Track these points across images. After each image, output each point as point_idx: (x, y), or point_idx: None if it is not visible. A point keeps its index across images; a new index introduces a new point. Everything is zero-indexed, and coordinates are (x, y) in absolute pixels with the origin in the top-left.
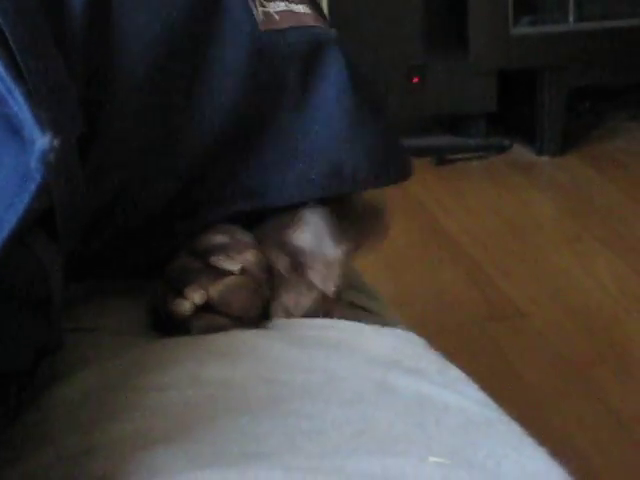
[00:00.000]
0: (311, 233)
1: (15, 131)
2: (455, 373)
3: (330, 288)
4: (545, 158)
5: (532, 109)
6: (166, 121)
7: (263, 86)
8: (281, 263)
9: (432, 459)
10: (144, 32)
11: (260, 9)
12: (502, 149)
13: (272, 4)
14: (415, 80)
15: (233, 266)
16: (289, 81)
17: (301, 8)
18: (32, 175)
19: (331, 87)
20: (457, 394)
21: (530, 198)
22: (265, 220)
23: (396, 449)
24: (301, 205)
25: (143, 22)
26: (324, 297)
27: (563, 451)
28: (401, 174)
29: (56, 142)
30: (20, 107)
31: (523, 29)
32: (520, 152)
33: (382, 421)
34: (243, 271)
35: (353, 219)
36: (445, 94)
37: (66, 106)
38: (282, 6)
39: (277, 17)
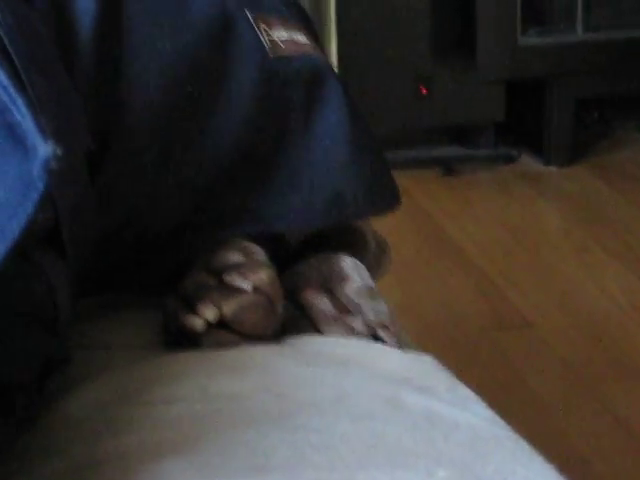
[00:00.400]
0: (358, 286)
1: (19, 140)
2: (464, 391)
3: (388, 337)
4: (553, 168)
5: (540, 119)
6: (178, 141)
7: (271, 111)
8: (327, 308)
9: (441, 473)
10: (156, 51)
11: (266, 37)
12: (510, 159)
13: (276, 32)
14: (423, 91)
15: (246, 284)
16: (295, 107)
17: (300, 37)
18: (35, 184)
19: (332, 114)
20: (466, 411)
21: (538, 208)
22: (295, 266)
23: (405, 463)
24: (322, 247)
25: (155, 41)
26: None
27: (570, 460)
28: (393, 201)
29: (59, 151)
30: (23, 116)
31: (531, 39)
32: (528, 162)
33: (391, 436)
34: (256, 290)
35: (367, 255)
36: (453, 105)
37: (71, 119)
38: (285, 35)
39: (282, 45)
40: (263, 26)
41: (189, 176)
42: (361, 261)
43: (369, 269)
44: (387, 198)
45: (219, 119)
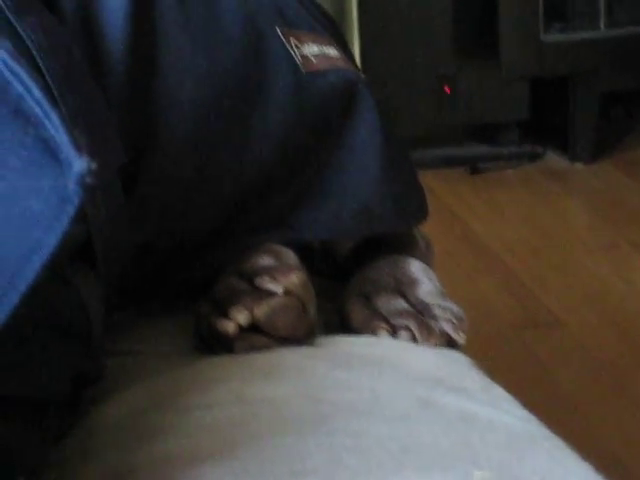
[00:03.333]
0: (429, 288)
1: (53, 155)
2: (499, 391)
3: (462, 339)
4: (579, 165)
5: (564, 116)
6: (213, 156)
7: (307, 125)
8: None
9: (478, 474)
10: (191, 66)
11: (297, 52)
12: (535, 157)
13: (306, 47)
14: (446, 90)
15: (277, 287)
16: (331, 120)
17: (331, 51)
18: (71, 198)
19: (364, 128)
20: (501, 411)
21: (564, 205)
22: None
23: (441, 465)
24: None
25: (189, 56)
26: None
27: (601, 459)
28: (421, 215)
29: (94, 166)
30: (57, 130)
31: (554, 36)
32: (553, 159)
33: (427, 437)
34: (287, 292)
35: (418, 255)
36: (477, 103)
37: (103, 133)
38: (316, 49)
39: (314, 60)
40: (294, 41)
41: (223, 189)
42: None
43: None
44: (415, 212)
45: (254, 133)
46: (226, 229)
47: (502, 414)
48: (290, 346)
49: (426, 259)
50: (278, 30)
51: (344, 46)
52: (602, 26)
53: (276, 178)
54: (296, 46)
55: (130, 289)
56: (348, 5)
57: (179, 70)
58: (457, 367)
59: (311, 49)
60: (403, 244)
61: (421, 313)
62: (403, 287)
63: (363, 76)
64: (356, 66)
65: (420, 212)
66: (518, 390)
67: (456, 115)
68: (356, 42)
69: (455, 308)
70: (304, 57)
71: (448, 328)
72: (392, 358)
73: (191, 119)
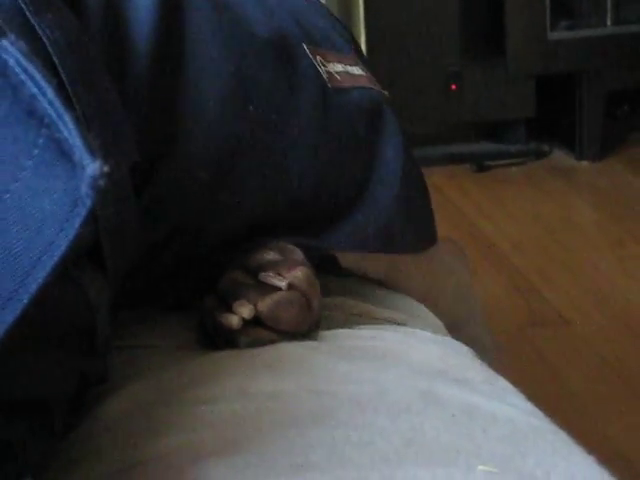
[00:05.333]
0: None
1: (65, 156)
2: (502, 383)
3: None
4: (585, 163)
5: (571, 113)
6: (236, 166)
7: (334, 138)
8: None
9: (481, 468)
10: (218, 74)
11: (323, 68)
12: (541, 154)
13: (331, 65)
14: (453, 87)
15: (281, 282)
16: (358, 136)
17: (355, 70)
18: (83, 200)
19: (389, 147)
20: (504, 404)
21: (571, 203)
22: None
23: (445, 458)
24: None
25: (217, 64)
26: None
27: (610, 457)
28: (433, 240)
29: (106, 168)
30: (70, 132)
31: (560, 33)
32: (559, 157)
33: (430, 431)
34: (291, 287)
35: None
36: (483, 101)
37: (117, 134)
38: (340, 67)
39: (339, 77)
40: (319, 58)
41: (243, 200)
42: None
43: None
44: (428, 236)
45: (279, 143)
46: (245, 236)
47: (506, 407)
48: (294, 340)
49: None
50: (305, 47)
51: (367, 65)
52: (609, 24)
53: (301, 189)
54: (322, 63)
55: (138, 290)
56: (354, 2)
57: (205, 74)
58: (460, 359)
59: (336, 67)
60: None
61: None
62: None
63: (387, 94)
64: (379, 86)
65: (432, 237)
66: (524, 387)
67: (463, 113)
68: (363, 40)
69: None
70: (329, 73)
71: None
72: (395, 351)
73: (214, 123)
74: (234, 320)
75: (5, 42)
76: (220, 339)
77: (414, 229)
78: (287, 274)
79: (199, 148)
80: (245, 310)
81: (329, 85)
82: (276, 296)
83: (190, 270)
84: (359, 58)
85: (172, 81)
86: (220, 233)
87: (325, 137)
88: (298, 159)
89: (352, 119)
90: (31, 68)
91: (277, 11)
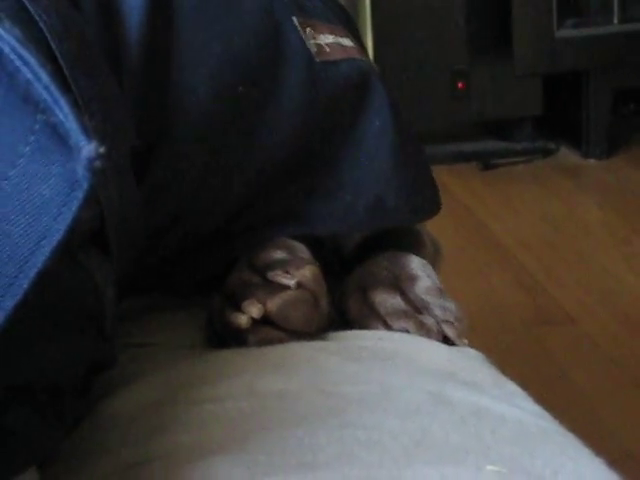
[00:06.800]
0: (427, 285)
1: (62, 140)
2: (511, 387)
3: (465, 343)
4: (591, 161)
5: (578, 112)
6: (227, 144)
7: (320, 117)
8: (399, 304)
9: (489, 468)
10: (207, 54)
11: (312, 41)
12: (548, 153)
13: (322, 36)
14: (460, 85)
15: (290, 281)
16: (344, 112)
17: (346, 41)
18: (80, 183)
19: (376, 118)
20: (513, 406)
21: (577, 201)
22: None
23: (453, 458)
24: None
25: (206, 44)
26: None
27: (618, 457)
28: (434, 207)
29: (103, 149)
30: (66, 116)
31: (567, 32)
32: (566, 155)
33: (438, 431)
34: (299, 286)
35: (425, 255)
36: (490, 99)
37: (114, 116)
38: (331, 39)
39: (328, 49)
40: (310, 31)
41: (237, 179)
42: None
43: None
44: (427, 205)
45: (268, 123)
46: (239, 221)
47: (514, 409)
48: (302, 339)
49: (432, 259)
50: (295, 20)
51: (358, 38)
52: (616, 22)
53: (288, 169)
54: (312, 36)
55: (143, 277)
56: (361, 1)
57: (194, 56)
58: (469, 362)
59: (326, 38)
60: (410, 243)
61: (419, 311)
62: (401, 283)
63: (376, 67)
64: (369, 58)
65: (433, 205)
66: (530, 386)
67: (470, 111)
68: (369, 38)
69: (454, 308)
70: (318, 46)
71: (449, 331)
72: (404, 352)
73: (205, 105)
74: (243, 319)
75: (0, 30)
76: (229, 338)
77: (411, 201)
78: (295, 272)
79: (192, 129)
80: (254, 309)
81: (317, 59)
82: (285, 295)
83: (193, 256)
84: (354, 35)
85: (163, 64)
86: (217, 215)
87: (311, 115)
88: (284, 139)
89: (338, 95)
90: (26, 54)
91: None
